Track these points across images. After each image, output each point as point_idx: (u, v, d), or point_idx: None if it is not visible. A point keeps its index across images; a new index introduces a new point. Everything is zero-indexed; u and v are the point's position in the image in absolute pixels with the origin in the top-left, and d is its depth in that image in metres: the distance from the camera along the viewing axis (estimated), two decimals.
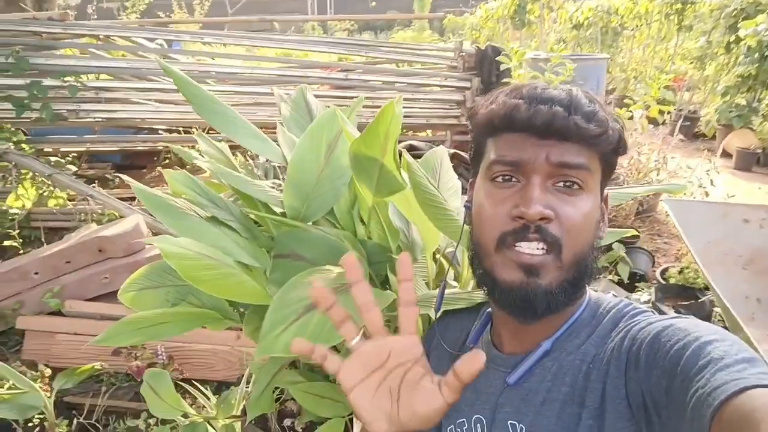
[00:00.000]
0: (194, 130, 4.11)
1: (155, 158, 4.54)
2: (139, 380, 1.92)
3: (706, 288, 2.30)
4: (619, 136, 0.67)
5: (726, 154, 5.55)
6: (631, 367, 0.59)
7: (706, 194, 2.92)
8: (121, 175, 2.64)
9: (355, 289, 0.58)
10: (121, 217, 2.97)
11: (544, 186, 0.64)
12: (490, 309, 0.79)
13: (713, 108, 6.15)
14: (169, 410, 1.20)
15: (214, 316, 1.13)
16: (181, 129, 4.03)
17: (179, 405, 1.23)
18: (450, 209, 0.96)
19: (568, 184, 0.65)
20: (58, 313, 2.36)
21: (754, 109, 5.71)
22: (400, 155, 0.94)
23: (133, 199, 3.44)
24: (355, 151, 0.95)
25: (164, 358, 1.89)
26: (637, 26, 8.90)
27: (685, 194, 2.73)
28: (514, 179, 0.66)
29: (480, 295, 0.85)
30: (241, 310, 1.18)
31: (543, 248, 0.63)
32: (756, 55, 5.62)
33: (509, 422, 0.68)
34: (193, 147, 4.21)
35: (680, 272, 2.50)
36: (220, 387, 2.05)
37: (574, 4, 9.56)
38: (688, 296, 2.41)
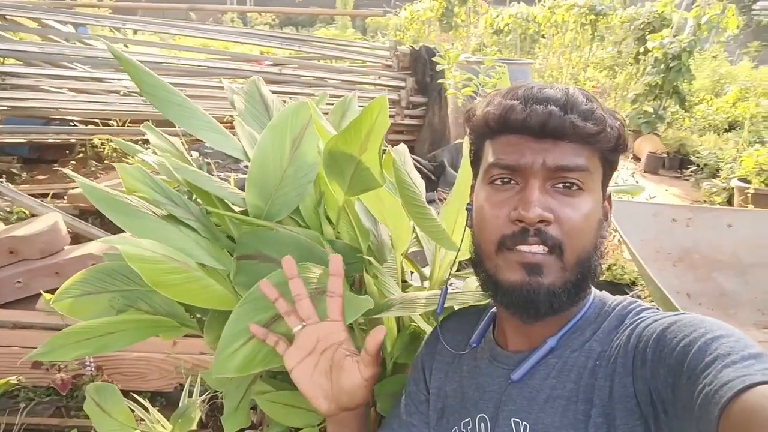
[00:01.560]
0: (113, 122, 3.84)
1: (67, 152, 4.20)
2: (64, 394, 1.76)
3: (633, 283, 2.43)
4: (618, 134, 0.66)
5: (635, 158, 5.95)
6: (638, 365, 0.59)
7: (631, 196, 3.10)
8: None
9: (291, 283, 0.75)
10: (33, 215, 2.71)
11: (543, 188, 0.64)
12: (494, 309, 0.79)
13: (623, 114, 6.57)
14: (121, 428, 1.10)
15: (169, 324, 1.04)
16: (98, 121, 3.75)
17: (131, 422, 1.12)
18: (430, 209, 0.94)
19: (567, 185, 0.64)
20: None
21: (660, 116, 6.15)
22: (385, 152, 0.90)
23: (45, 195, 3.17)
24: (331, 147, 0.91)
25: (92, 368, 1.75)
26: (553, 34, 9.35)
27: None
28: (512, 182, 0.66)
29: (484, 295, 0.84)
30: (198, 315, 1.10)
31: (544, 251, 0.63)
32: (662, 66, 6.05)
33: (513, 420, 0.68)
34: (109, 141, 3.95)
35: (608, 269, 2.63)
36: (153, 398, 1.92)
37: (495, 10, 9.89)
38: (615, 292, 2.53)
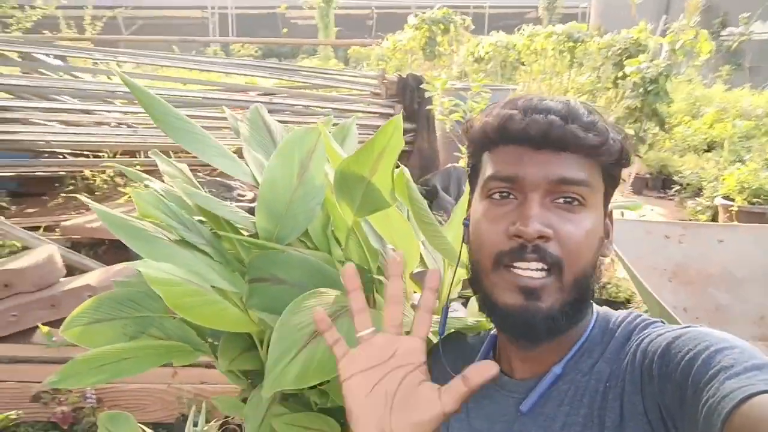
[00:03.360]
0: (104, 153, 3.84)
1: (56, 184, 4.17)
2: (65, 427, 1.72)
3: (628, 301, 2.47)
4: (620, 147, 0.64)
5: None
6: (645, 381, 0.58)
7: (622, 214, 3.16)
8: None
9: (351, 296, 0.62)
10: (25, 248, 2.69)
11: (543, 202, 0.61)
12: (494, 332, 0.77)
13: None
14: None
15: (182, 349, 1.04)
16: (88, 153, 3.75)
17: None
18: (442, 228, 0.96)
19: (568, 200, 0.62)
20: None
21: (641, 138, 6.28)
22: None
23: (36, 228, 3.14)
24: (343, 169, 0.93)
25: (93, 401, 1.72)
26: (533, 61, 9.56)
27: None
28: (511, 196, 0.63)
29: (483, 324, 0.84)
30: (210, 340, 1.11)
31: (543, 269, 0.61)
32: (641, 89, 6.21)
33: None
34: (103, 172, 3.93)
35: (603, 288, 2.67)
36: (156, 430, 1.89)
37: (476, 39, 10.10)
38: None
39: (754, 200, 4.00)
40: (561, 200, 0.62)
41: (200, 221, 1.12)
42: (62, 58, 4.31)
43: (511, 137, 0.63)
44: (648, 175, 5.75)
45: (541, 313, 0.61)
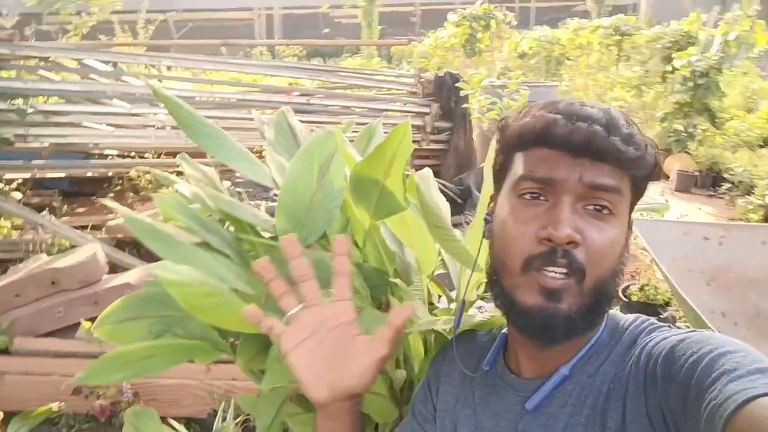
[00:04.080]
0: (149, 154, 3.98)
1: (105, 185, 4.36)
2: (103, 420, 1.80)
3: (667, 304, 2.39)
4: (655, 162, 0.65)
5: (665, 177, 5.85)
6: (649, 383, 0.59)
7: (661, 215, 3.06)
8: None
9: (293, 264, 0.71)
10: (73, 246, 2.82)
11: (575, 207, 0.62)
12: (505, 330, 0.77)
13: (653, 133, 6.48)
14: None
15: (203, 348, 1.07)
16: (135, 154, 3.90)
17: None
18: (454, 231, 0.96)
19: (598, 207, 0.62)
20: (5, 351, 2.20)
21: (690, 135, 6.05)
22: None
23: (84, 227, 3.28)
24: (357, 172, 0.94)
25: (129, 395, 1.79)
26: (578, 56, 9.34)
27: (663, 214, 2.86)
28: (542, 197, 0.64)
29: (499, 319, 0.84)
30: (231, 340, 1.13)
31: (566, 273, 0.61)
32: (690, 84, 5.99)
33: None
34: (145, 173, 4.08)
35: (641, 290, 2.59)
36: (188, 424, 1.95)
37: (519, 34, 9.94)
38: (649, 312, 2.48)
39: None
40: (591, 207, 0.63)
41: (220, 222, 1.15)
42: (112, 63, 4.50)
43: (553, 141, 0.63)
44: (697, 173, 5.53)
45: (560, 315, 0.61)
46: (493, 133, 0.75)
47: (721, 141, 6.11)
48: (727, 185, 5.00)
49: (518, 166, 0.66)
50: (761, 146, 5.90)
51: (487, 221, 0.72)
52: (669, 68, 6.65)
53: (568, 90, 9.15)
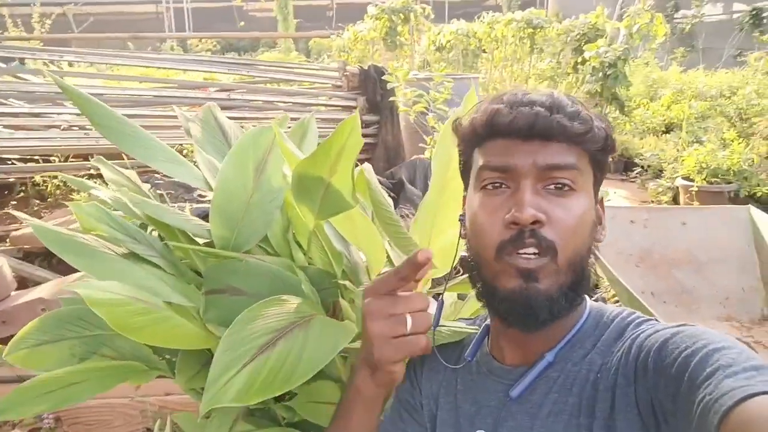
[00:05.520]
0: (55, 158, 3.68)
1: (6, 192, 3.99)
2: None
3: (596, 286, 2.48)
4: (605, 134, 0.67)
5: None
6: (639, 375, 0.59)
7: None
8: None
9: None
10: None
11: (535, 189, 0.64)
12: (488, 321, 0.78)
13: None
14: None
15: (137, 368, 0.98)
16: (38, 157, 3.58)
17: None
18: (404, 227, 0.92)
19: (558, 186, 0.64)
20: None
21: (606, 120, 6.36)
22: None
23: None
24: (299, 171, 0.88)
25: (50, 421, 1.64)
26: (494, 49, 9.59)
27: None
28: (504, 186, 0.65)
29: (472, 329, 0.82)
30: (167, 357, 1.04)
31: (535, 253, 0.62)
32: (600, 74, 6.29)
33: None
34: (52, 178, 3.77)
35: None
36: None
37: (437, 27, 10.08)
38: None
39: (713, 180, 4.08)
40: (552, 186, 0.64)
41: (141, 227, 1.06)
42: (8, 59, 4.11)
43: (499, 130, 0.65)
44: (610, 159, 5.82)
45: (540, 295, 0.62)
46: (421, 126, 0.76)
47: (629, 128, 6.47)
48: (637, 169, 5.30)
49: (477, 160, 0.69)
50: (664, 132, 6.30)
51: (461, 221, 0.74)
52: (580, 60, 6.95)
53: (484, 82, 9.40)
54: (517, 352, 0.71)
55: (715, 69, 8.66)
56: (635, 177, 5.29)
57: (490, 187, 0.66)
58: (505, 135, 0.65)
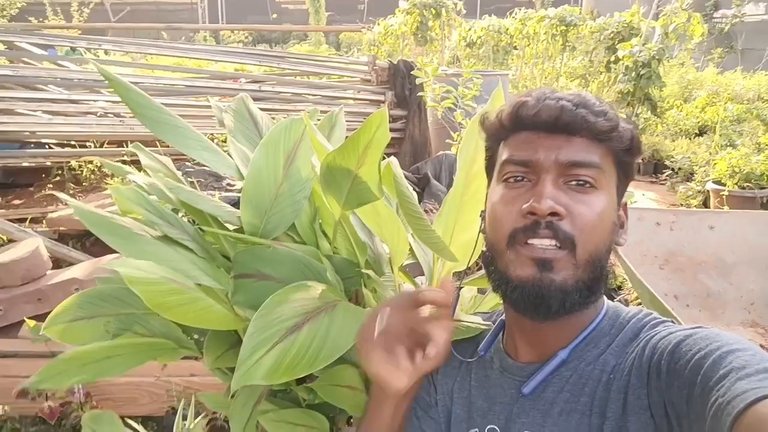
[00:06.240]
0: (90, 143, 3.79)
1: (43, 175, 4.12)
2: (52, 423, 1.71)
3: (619, 288, 2.47)
4: (631, 135, 0.67)
5: None
6: (652, 377, 0.59)
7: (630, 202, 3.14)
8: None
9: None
10: (12, 241, 2.65)
11: (557, 183, 0.64)
12: (503, 317, 0.78)
13: None
14: None
15: (167, 346, 1.02)
16: (75, 143, 3.69)
17: None
18: (428, 221, 0.94)
19: (580, 182, 0.64)
20: None
21: (633, 123, 6.26)
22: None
23: (22, 220, 3.10)
24: (328, 162, 0.91)
25: (81, 395, 1.70)
26: (525, 45, 9.50)
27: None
28: (525, 179, 0.66)
29: (485, 324, 0.83)
30: (196, 337, 1.09)
31: (555, 245, 0.62)
32: (633, 73, 6.19)
33: None
34: (87, 163, 3.88)
35: None
36: (145, 423, 1.88)
37: (468, 23, 10.01)
38: None
39: (745, 185, 3.99)
40: (573, 182, 0.64)
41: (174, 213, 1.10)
42: (46, 47, 4.24)
43: (525, 123, 0.66)
44: (639, 160, 5.73)
45: (554, 285, 0.62)
46: (448, 122, 0.77)
47: (661, 129, 6.36)
48: (668, 172, 5.21)
49: (501, 154, 0.69)
50: (697, 134, 6.17)
51: (482, 217, 0.74)
52: (612, 58, 6.85)
53: (514, 79, 9.32)
54: (531, 349, 0.71)
55: (754, 71, 8.42)
56: (665, 179, 5.20)
57: (511, 180, 0.67)
58: (530, 128, 0.65)
